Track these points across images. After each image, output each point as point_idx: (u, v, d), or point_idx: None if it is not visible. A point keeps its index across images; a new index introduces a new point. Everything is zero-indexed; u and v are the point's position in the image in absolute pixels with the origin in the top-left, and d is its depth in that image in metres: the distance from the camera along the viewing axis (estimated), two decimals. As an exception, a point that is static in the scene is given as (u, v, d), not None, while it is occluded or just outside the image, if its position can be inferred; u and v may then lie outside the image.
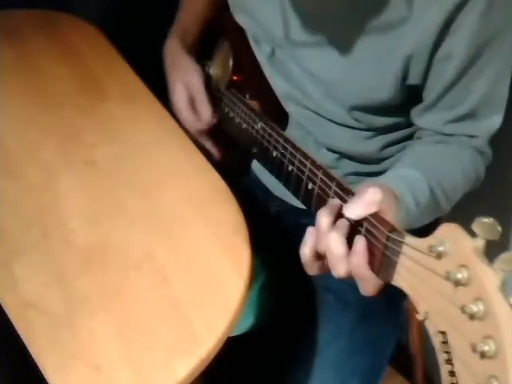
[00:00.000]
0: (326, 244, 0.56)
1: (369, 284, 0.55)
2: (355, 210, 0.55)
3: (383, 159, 0.86)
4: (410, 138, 0.83)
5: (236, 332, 0.77)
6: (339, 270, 0.56)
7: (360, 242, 0.55)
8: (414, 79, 0.72)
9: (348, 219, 0.56)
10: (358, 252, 0.54)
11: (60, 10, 1.16)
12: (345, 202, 0.58)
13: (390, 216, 0.55)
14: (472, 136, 0.75)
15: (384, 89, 0.74)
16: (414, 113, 0.77)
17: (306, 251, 0.58)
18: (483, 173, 0.77)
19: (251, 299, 0.89)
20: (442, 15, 0.65)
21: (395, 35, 0.69)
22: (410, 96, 0.75)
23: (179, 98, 0.92)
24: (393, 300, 0.91)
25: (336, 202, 0.59)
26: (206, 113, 0.90)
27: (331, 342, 0.86)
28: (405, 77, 0.72)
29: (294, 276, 0.94)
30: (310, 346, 0.86)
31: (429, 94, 0.73)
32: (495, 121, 0.74)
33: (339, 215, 0.58)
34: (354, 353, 0.86)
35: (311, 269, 0.59)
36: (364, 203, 0.55)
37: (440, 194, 0.68)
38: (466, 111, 0.72)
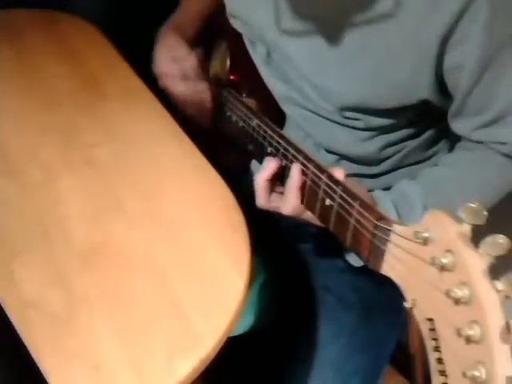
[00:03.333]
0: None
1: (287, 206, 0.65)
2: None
3: (383, 160, 0.86)
4: (409, 138, 0.83)
5: (236, 332, 0.77)
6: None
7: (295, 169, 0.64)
8: (423, 93, 0.72)
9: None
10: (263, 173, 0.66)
11: (60, 10, 1.16)
12: (334, 192, 0.60)
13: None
14: (501, 142, 0.74)
15: (380, 96, 0.74)
16: (448, 120, 0.78)
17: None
18: None
19: (251, 299, 0.89)
20: (441, 27, 0.64)
21: (390, 43, 0.69)
22: (414, 104, 0.75)
23: (163, 61, 0.93)
24: (393, 300, 0.90)
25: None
26: (187, 56, 0.91)
27: (331, 342, 0.86)
28: (410, 88, 0.72)
29: (293, 276, 0.95)
30: (310, 345, 0.86)
31: (452, 103, 0.73)
32: None
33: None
34: (355, 353, 0.86)
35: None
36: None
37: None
38: (492, 117, 0.72)
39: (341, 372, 0.85)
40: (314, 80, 0.78)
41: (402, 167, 0.87)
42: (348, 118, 0.79)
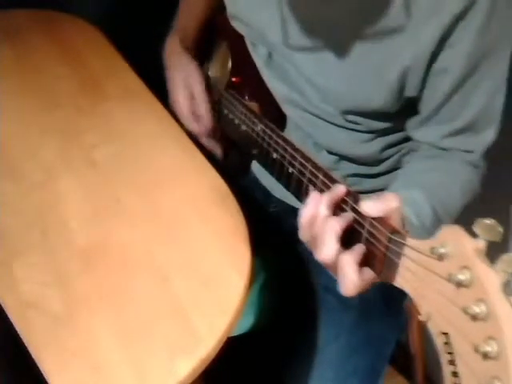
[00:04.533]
0: (322, 227, 0.57)
1: (350, 284, 0.55)
2: (372, 207, 0.55)
3: (383, 160, 0.86)
4: (409, 139, 0.83)
5: (236, 332, 0.77)
6: (322, 254, 0.57)
7: (360, 246, 0.56)
8: (411, 91, 0.72)
9: (351, 217, 0.57)
10: (355, 253, 0.55)
11: (60, 10, 1.16)
12: (345, 203, 0.58)
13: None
14: (468, 151, 0.75)
15: (380, 98, 0.74)
16: (411, 126, 0.78)
17: (304, 214, 0.59)
18: (479, 186, 0.77)
19: (251, 299, 0.89)
20: (440, 28, 0.65)
21: (392, 44, 0.69)
22: (407, 106, 0.75)
23: (180, 98, 0.92)
24: (393, 300, 0.90)
25: (341, 189, 0.59)
26: (206, 115, 0.90)
27: (331, 342, 0.86)
28: (402, 88, 0.72)
29: (293, 276, 0.95)
30: (309, 345, 0.86)
31: (425, 107, 0.73)
32: (491, 134, 0.74)
33: (339, 205, 0.59)
34: (354, 353, 0.86)
35: (304, 235, 0.60)
36: (383, 204, 0.55)
37: (442, 212, 0.68)
38: (463, 125, 0.72)
39: (340, 372, 0.85)
40: (316, 81, 0.78)
41: (402, 167, 0.87)
42: (349, 121, 0.79)
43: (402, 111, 0.76)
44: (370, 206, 0.55)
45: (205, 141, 0.94)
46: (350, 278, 0.55)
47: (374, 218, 0.54)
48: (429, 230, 0.65)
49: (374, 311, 0.89)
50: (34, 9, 1.16)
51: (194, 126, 0.92)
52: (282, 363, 0.90)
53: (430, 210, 0.66)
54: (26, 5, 1.15)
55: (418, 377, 1.28)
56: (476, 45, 0.66)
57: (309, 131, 0.86)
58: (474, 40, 0.65)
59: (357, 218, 0.57)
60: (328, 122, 0.82)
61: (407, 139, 0.83)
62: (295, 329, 0.91)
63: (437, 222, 0.68)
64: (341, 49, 0.73)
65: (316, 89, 0.79)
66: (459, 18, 0.64)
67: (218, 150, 0.94)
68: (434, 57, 0.68)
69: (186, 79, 0.92)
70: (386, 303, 0.89)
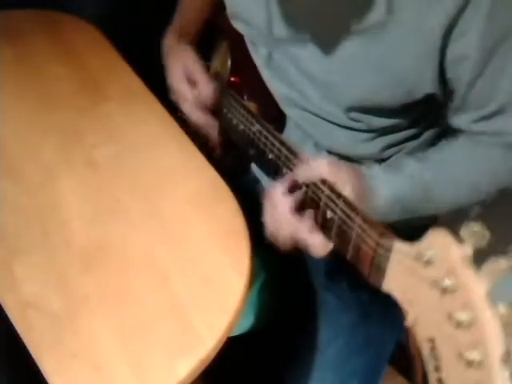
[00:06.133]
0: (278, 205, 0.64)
1: (316, 246, 0.61)
2: (301, 173, 0.61)
3: (383, 160, 0.86)
4: (410, 139, 0.83)
5: (236, 332, 0.77)
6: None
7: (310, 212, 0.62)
8: (428, 87, 0.72)
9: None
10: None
11: (60, 10, 1.16)
12: (335, 204, 0.60)
13: (347, 190, 0.60)
14: (502, 133, 0.74)
15: (384, 92, 0.73)
16: (448, 116, 0.77)
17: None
18: None
19: (251, 299, 0.89)
20: (444, 19, 0.64)
21: (392, 37, 0.69)
22: (419, 101, 0.74)
23: (176, 75, 0.91)
24: (393, 300, 0.90)
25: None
26: (206, 85, 0.89)
27: (331, 342, 0.86)
28: (413, 82, 0.71)
29: (293, 276, 0.95)
30: (309, 346, 0.86)
31: (454, 97, 0.73)
32: None
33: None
34: (354, 353, 0.86)
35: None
36: (309, 167, 0.61)
37: (434, 184, 0.70)
38: (494, 109, 0.71)
39: (340, 372, 0.85)
40: (318, 78, 0.78)
41: None
42: (350, 120, 0.79)
43: (407, 106, 0.76)
44: (298, 173, 0.62)
45: (204, 126, 0.93)
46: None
47: (363, 221, 0.55)
48: (407, 195, 0.69)
49: (374, 311, 0.89)
50: (34, 9, 1.16)
51: (192, 108, 0.91)
52: (282, 363, 0.90)
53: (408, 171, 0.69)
54: (26, 5, 1.15)
55: (418, 377, 1.28)
56: (487, 29, 0.64)
57: (309, 131, 0.86)
58: (483, 24, 0.64)
59: (347, 220, 0.57)
60: (328, 121, 0.82)
61: (408, 139, 0.83)
62: (295, 329, 0.91)
63: (421, 192, 0.70)
64: (327, 45, 0.72)
65: (318, 86, 0.79)
66: (465, 5, 0.63)
67: (215, 138, 0.94)
68: (443, 48, 0.67)
69: (181, 60, 0.92)
70: (386, 303, 0.89)
